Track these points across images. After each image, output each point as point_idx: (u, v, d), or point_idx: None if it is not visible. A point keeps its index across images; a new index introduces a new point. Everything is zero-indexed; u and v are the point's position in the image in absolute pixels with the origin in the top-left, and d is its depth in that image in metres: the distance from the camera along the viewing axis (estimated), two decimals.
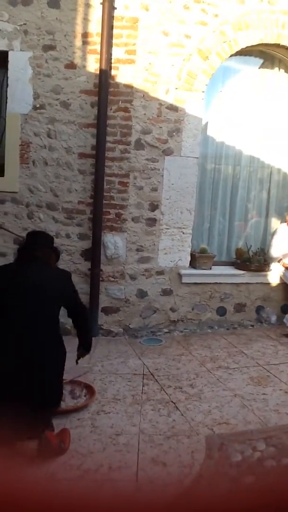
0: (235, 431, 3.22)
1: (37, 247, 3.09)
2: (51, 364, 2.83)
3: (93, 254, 4.81)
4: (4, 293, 2.86)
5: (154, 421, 3.27)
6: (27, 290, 2.85)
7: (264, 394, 3.79)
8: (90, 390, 3.55)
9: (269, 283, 5.60)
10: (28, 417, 2.65)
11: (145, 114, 4.86)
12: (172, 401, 3.54)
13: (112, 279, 4.94)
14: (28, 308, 2.81)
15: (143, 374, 4.03)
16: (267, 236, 5.91)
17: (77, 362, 3.37)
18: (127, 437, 3.03)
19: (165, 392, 3.70)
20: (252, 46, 5.17)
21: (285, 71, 5.68)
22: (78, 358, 3.37)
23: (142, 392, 3.66)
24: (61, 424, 3.13)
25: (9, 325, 2.79)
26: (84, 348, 3.36)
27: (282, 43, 5.20)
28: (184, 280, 5.18)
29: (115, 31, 4.70)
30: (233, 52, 5.06)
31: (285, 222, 5.62)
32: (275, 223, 5.89)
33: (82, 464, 2.71)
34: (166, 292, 5.17)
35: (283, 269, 5.53)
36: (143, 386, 3.77)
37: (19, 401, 2.65)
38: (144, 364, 4.25)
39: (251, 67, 5.62)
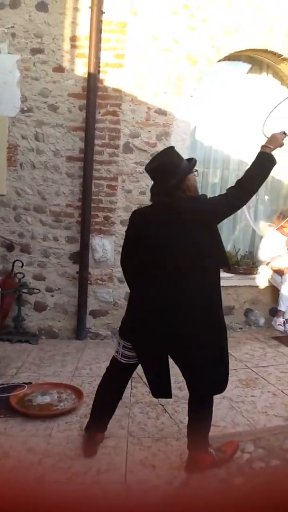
0: (224, 433, 3.22)
1: (155, 194, 2.66)
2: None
3: (81, 257, 4.81)
4: (135, 247, 2.71)
5: (142, 423, 3.26)
6: (156, 252, 2.59)
7: (252, 396, 3.80)
8: (78, 393, 3.54)
9: (257, 286, 5.62)
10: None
11: (133, 118, 4.87)
12: (160, 404, 3.53)
13: (101, 282, 4.93)
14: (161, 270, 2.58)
15: (132, 377, 4.00)
16: (255, 239, 5.94)
17: None
18: (116, 440, 3.02)
19: None
20: (241, 51, 5.22)
21: (273, 76, 5.74)
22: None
23: (130, 395, 3.64)
24: (48, 427, 3.11)
25: (143, 281, 2.67)
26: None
27: (270, 48, 5.25)
28: None
29: (103, 35, 4.71)
30: (222, 57, 5.09)
31: (273, 225, 5.66)
32: (263, 226, 5.92)
33: (70, 467, 2.70)
34: None
35: (271, 272, 5.57)
36: (131, 389, 3.74)
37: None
38: None
39: (240, 72, 5.66)
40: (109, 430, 3.04)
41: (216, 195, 2.79)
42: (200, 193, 2.77)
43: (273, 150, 2.63)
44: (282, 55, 5.34)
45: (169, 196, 2.57)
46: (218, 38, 5.00)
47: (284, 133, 2.73)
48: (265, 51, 5.32)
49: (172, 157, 2.63)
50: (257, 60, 5.63)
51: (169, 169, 2.57)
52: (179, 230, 2.53)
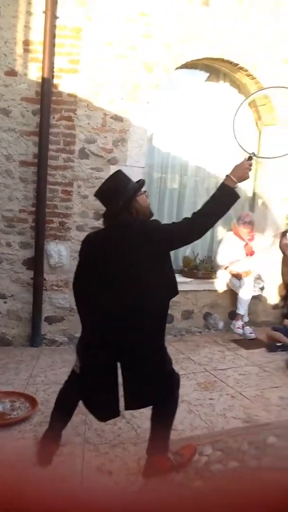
0: (182, 437, 3.19)
1: (105, 217, 2.65)
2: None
3: (36, 263, 4.70)
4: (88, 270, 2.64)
5: (99, 430, 3.19)
6: (105, 274, 2.54)
7: (211, 399, 3.79)
8: (32, 401, 3.43)
9: (216, 290, 5.66)
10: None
11: (89, 123, 4.83)
12: None
13: (56, 288, 4.83)
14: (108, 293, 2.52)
15: None
16: (213, 244, 5.99)
17: None
18: (72, 447, 2.95)
19: None
20: (197, 59, 5.29)
21: (230, 85, 5.84)
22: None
23: None
24: (1, 437, 3.00)
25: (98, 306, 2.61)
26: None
27: (226, 57, 5.34)
28: None
29: (57, 40, 4.66)
30: (178, 65, 5.14)
31: (231, 230, 5.72)
32: (221, 231, 5.99)
33: (24, 476, 2.59)
34: None
35: (229, 276, 5.61)
36: None
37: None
38: None
39: (198, 80, 5.74)
40: (65, 437, 2.95)
41: (178, 220, 2.62)
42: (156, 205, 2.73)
43: (237, 183, 2.50)
44: (238, 64, 5.44)
45: (117, 219, 2.55)
46: (174, 46, 5.05)
47: (252, 156, 2.60)
48: (222, 60, 5.41)
49: (118, 180, 2.61)
50: (214, 68, 5.72)
51: (115, 191, 2.55)
52: (128, 255, 2.48)
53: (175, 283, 2.65)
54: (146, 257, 2.47)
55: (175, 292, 2.67)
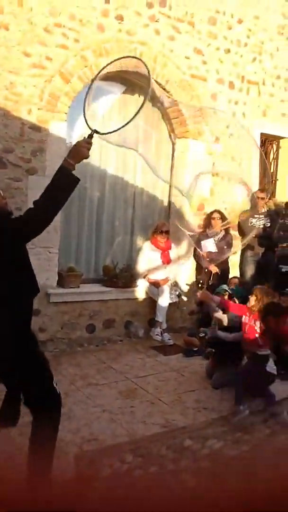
0: (104, 446, 3.28)
1: None
2: None
3: None
4: None
5: (22, 444, 3.18)
6: None
7: (132, 406, 3.91)
8: None
9: (136, 299, 5.81)
10: None
11: (6, 132, 4.79)
12: None
13: None
14: None
15: None
16: (132, 253, 6.13)
17: None
18: None
19: None
20: (113, 72, 5.39)
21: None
22: None
23: None
24: None
25: None
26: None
27: (140, 71, 5.49)
28: (52, 299, 5.14)
29: None
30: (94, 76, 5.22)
31: (149, 239, 5.89)
32: (140, 240, 6.14)
33: None
34: (34, 312, 5.05)
35: (148, 284, 5.78)
36: None
37: None
38: None
39: (116, 92, 5.86)
40: None
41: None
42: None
43: (76, 163, 2.40)
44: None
45: None
46: (90, 58, 5.14)
47: (92, 134, 2.42)
48: (136, 73, 5.55)
49: None
50: (131, 81, 5.86)
51: None
52: None
53: (35, 282, 2.67)
54: (3, 256, 2.45)
55: (36, 290, 2.70)
